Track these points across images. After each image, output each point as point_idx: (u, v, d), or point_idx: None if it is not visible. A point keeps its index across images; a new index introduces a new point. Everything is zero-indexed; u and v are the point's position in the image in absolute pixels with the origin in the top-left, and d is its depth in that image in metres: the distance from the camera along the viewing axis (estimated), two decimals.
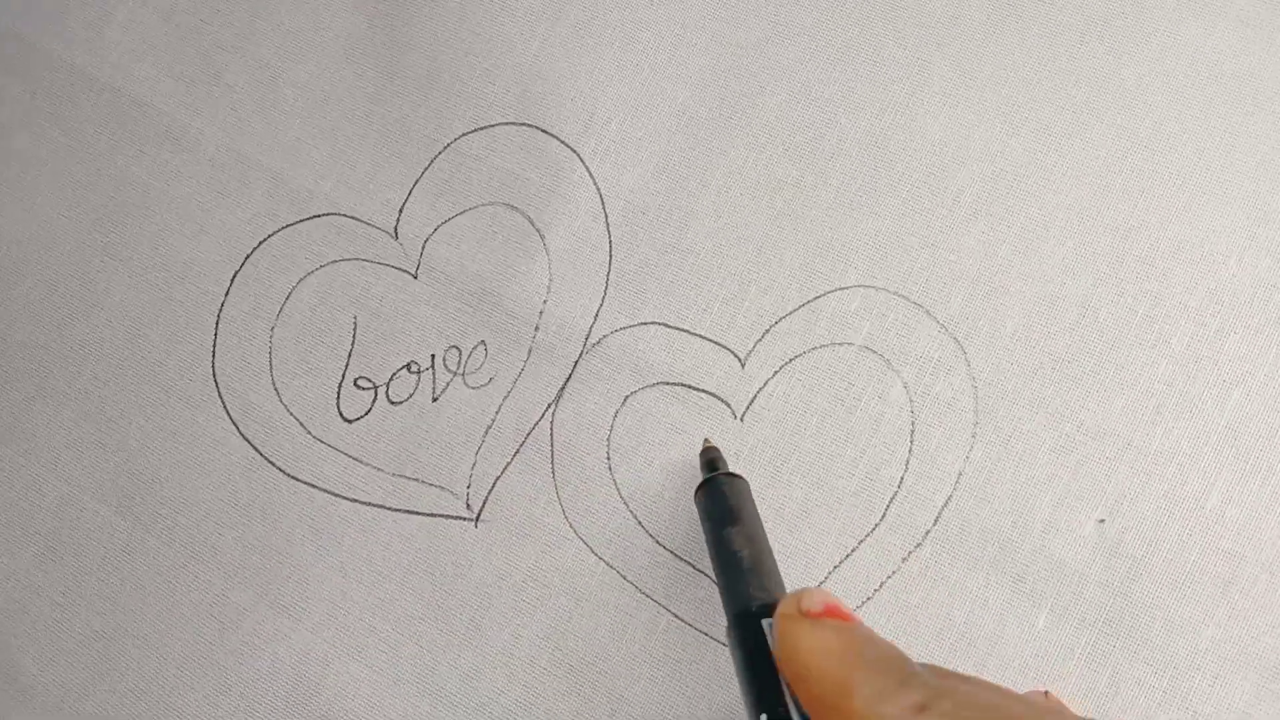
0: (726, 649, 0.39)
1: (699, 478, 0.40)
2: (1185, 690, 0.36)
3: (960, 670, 0.37)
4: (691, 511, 0.40)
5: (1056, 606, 0.37)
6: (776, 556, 0.39)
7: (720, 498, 0.36)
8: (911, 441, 0.39)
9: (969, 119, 0.41)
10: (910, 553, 0.39)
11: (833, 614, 0.26)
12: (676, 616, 0.40)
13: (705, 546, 0.39)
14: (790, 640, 0.26)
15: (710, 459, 0.38)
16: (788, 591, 0.30)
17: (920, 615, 0.38)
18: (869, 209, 0.41)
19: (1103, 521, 0.37)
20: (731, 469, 0.40)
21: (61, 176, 0.47)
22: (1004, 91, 0.41)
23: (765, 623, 0.30)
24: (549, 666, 0.40)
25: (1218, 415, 0.38)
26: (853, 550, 0.39)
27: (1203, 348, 0.38)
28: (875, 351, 0.40)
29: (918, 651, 0.38)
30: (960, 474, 0.39)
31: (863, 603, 0.38)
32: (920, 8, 0.42)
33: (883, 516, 0.39)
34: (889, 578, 0.39)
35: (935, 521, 0.39)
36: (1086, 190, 0.40)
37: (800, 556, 0.39)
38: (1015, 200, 0.40)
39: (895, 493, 0.39)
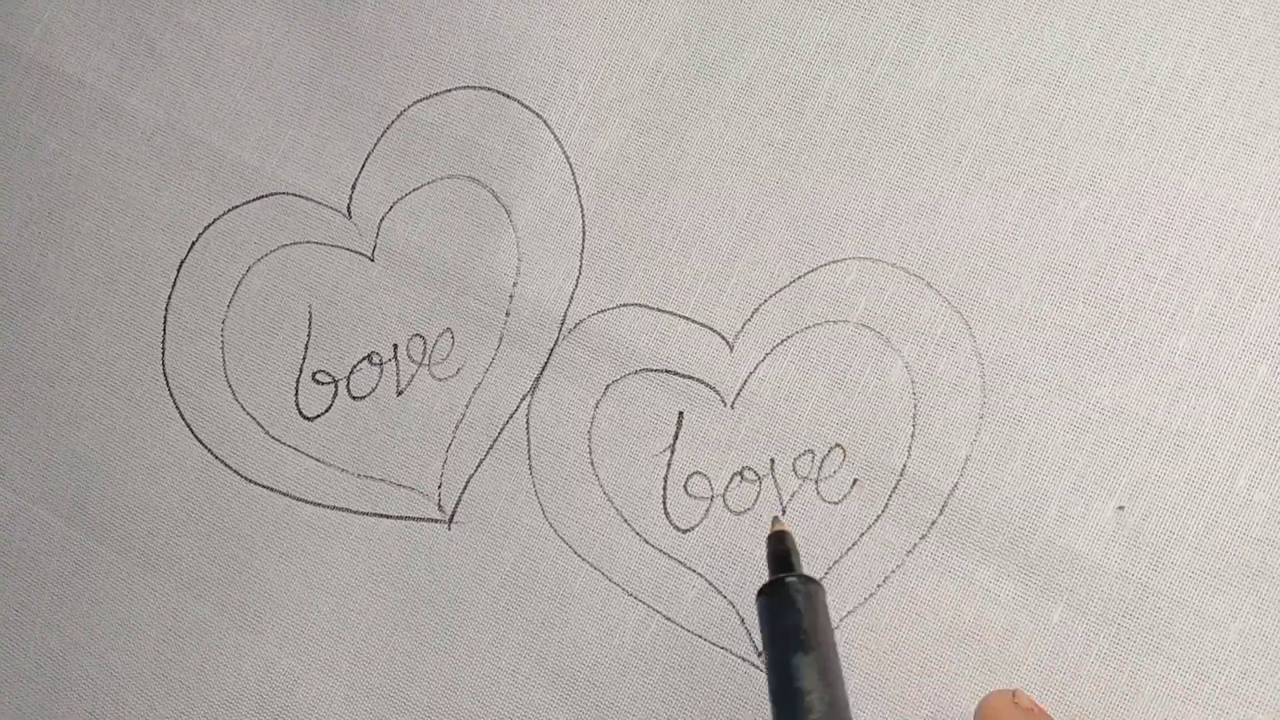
0: (723, 653, 0.37)
1: (687, 470, 0.38)
2: (1212, 688, 0.34)
3: (969, 668, 0.35)
4: (680, 510, 0.38)
5: (1073, 600, 0.35)
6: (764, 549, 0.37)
7: (790, 612, 0.30)
8: (914, 426, 0.37)
9: (970, 68, 0.38)
10: (915, 545, 0.37)
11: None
12: (667, 619, 0.38)
13: (695, 544, 0.37)
14: None
15: (780, 551, 0.33)
16: None
17: (926, 612, 0.36)
18: (863, 172, 0.38)
19: (1122, 508, 0.35)
20: (724, 462, 0.37)
21: None
22: (1007, 37, 0.38)
23: None
24: (531, 676, 0.39)
25: (1244, 390, 0.35)
26: (853, 544, 0.37)
27: (1227, 316, 0.36)
28: (873, 329, 0.38)
29: (924, 650, 0.36)
30: (967, 459, 0.37)
31: (864, 600, 0.37)
32: None
33: (884, 508, 0.37)
34: (892, 573, 0.37)
35: (941, 511, 0.37)
36: (1099, 145, 0.37)
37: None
38: (1022, 158, 0.37)
39: (897, 481, 0.37)
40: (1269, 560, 0.34)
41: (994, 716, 0.26)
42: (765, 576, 0.37)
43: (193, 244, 0.43)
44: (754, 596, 0.35)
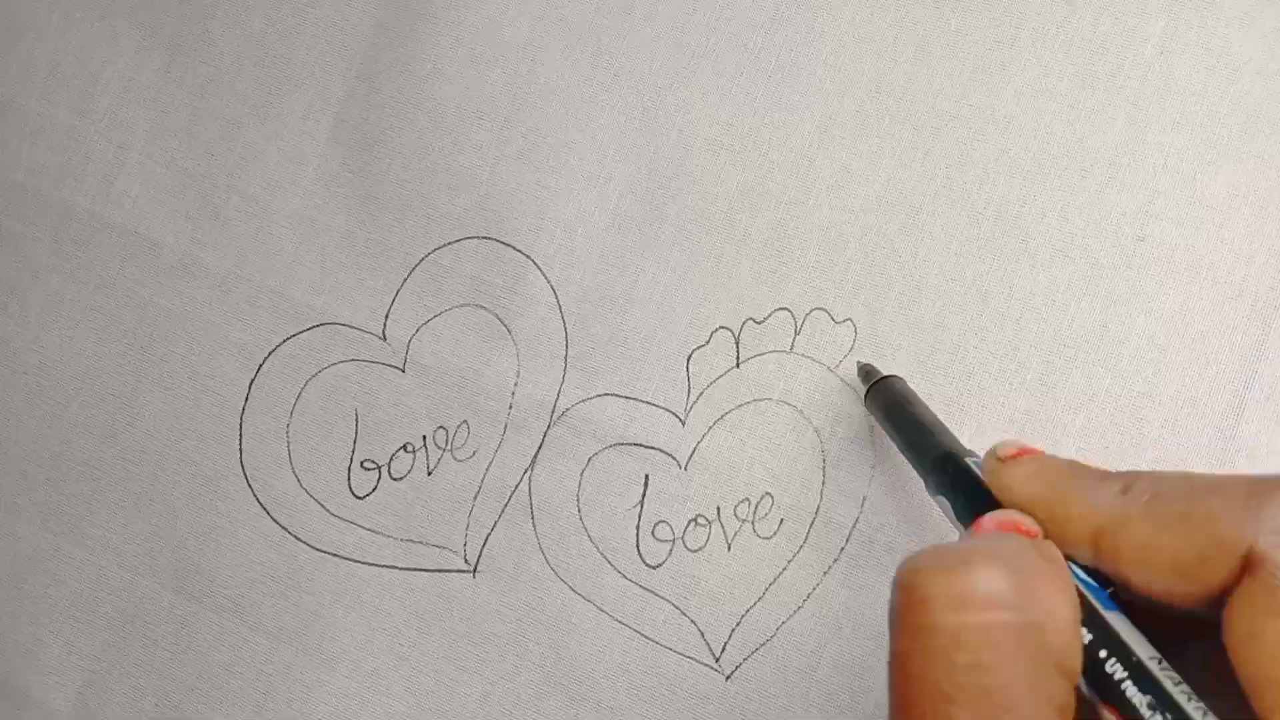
0: (690, 661, 0.47)
1: (654, 519, 0.47)
2: None
3: (881, 663, 0.44)
4: (650, 550, 0.47)
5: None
6: (719, 580, 0.46)
7: (891, 391, 0.42)
8: (824, 475, 0.45)
9: (851, 204, 0.48)
10: (829, 567, 0.45)
11: (1025, 453, 0.29)
12: (645, 637, 0.46)
13: (663, 577, 0.47)
14: (1001, 484, 0.29)
15: (867, 370, 0.44)
16: (964, 447, 0.36)
17: (843, 619, 0.45)
18: (778, 288, 0.47)
19: None
20: (682, 511, 0.48)
21: (93, 311, 0.52)
22: (877, 177, 0.48)
23: (971, 461, 0.33)
24: (546, 688, 0.47)
25: (1067, 437, 0.45)
26: (783, 569, 0.45)
27: (1051, 380, 0.45)
28: (790, 404, 0.46)
29: (845, 649, 0.45)
30: (864, 499, 0.46)
31: (794, 612, 0.45)
32: (800, 116, 0.49)
33: (805, 540, 0.45)
34: (813, 590, 0.45)
35: (848, 540, 0.45)
36: (950, 258, 0.47)
37: (739, 579, 0.46)
38: (890, 276, 0.47)
39: (814, 519, 0.45)
40: None
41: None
42: (719, 599, 0.47)
43: (260, 366, 0.51)
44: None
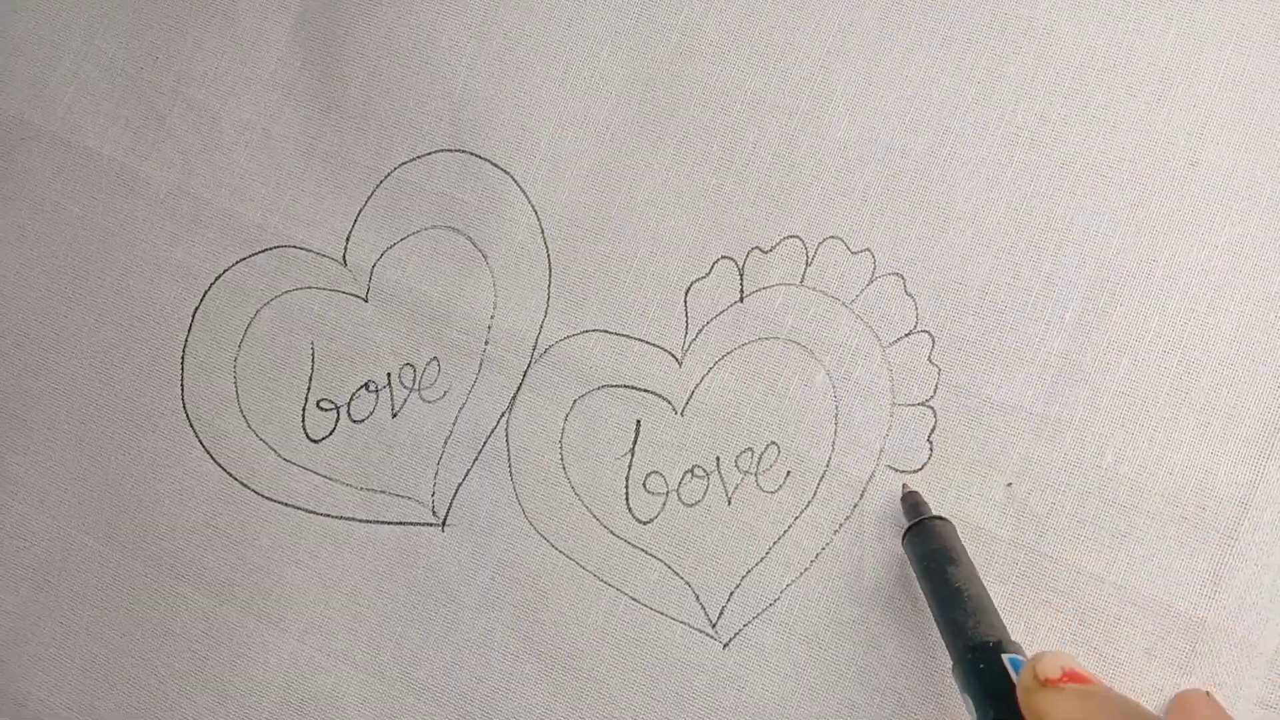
0: (682, 626, 0.42)
1: (646, 470, 0.43)
2: (1092, 633, 0.39)
3: (892, 627, 0.40)
4: (641, 504, 0.43)
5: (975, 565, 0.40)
6: (716, 537, 0.42)
7: (935, 538, 0.38)
8: (836, 424, 0.42)
9: (872, 120, 0.44)
10: (841, 525, 0.42)
11: (1072, 679, 0.27)
12: (633, 599, 0.43)
13: (654, 533, 0.43)
14: (1037, 713, 0.26)
15: (913, 503, 0.40)
16: (1006, 629, 0.33)
17: (854, 582, 0.41)
18: (786, 210, 0.44)
19: (1010, 485, 0.41)
20: (677, 461, 0.43)
21: (19, 229, 0.49)
22: (902, 93, 0.43)
23: (1005, 657, 0.32)
24: (520, 654, 0.43)
25: (1109, 381, 0.41)
26: (789, 527, 0.42)
27: (1093, 320, 0.41)
28: (799, 343, 0.43)
29: (855, 616, 0.41)
30: (881, 450, 0.42)
31: (800, 574, 0.42)
32: (818, 20, 0.44)
33: (814, 494, 0.42)
34: (823, 549, 0.42)
35: (861, 495, 0.42)
36: (982, 182, 0.42)
37: (740, 536, 0.42)
38: (918, 196, 0.43)
39: (824, 472, 0.42)
40: (1134, 523, 0.40)
41: (1189, 707, 0.28)
42: (717, 558, 0.42)
43: (205, 293, 0.47)
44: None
